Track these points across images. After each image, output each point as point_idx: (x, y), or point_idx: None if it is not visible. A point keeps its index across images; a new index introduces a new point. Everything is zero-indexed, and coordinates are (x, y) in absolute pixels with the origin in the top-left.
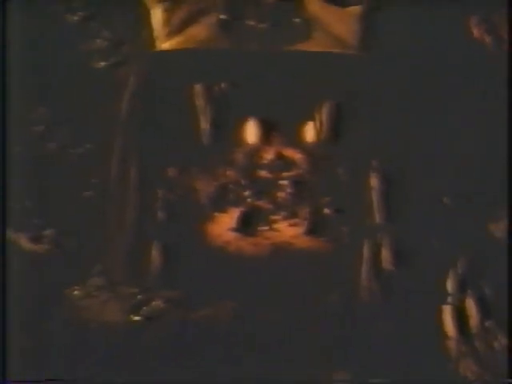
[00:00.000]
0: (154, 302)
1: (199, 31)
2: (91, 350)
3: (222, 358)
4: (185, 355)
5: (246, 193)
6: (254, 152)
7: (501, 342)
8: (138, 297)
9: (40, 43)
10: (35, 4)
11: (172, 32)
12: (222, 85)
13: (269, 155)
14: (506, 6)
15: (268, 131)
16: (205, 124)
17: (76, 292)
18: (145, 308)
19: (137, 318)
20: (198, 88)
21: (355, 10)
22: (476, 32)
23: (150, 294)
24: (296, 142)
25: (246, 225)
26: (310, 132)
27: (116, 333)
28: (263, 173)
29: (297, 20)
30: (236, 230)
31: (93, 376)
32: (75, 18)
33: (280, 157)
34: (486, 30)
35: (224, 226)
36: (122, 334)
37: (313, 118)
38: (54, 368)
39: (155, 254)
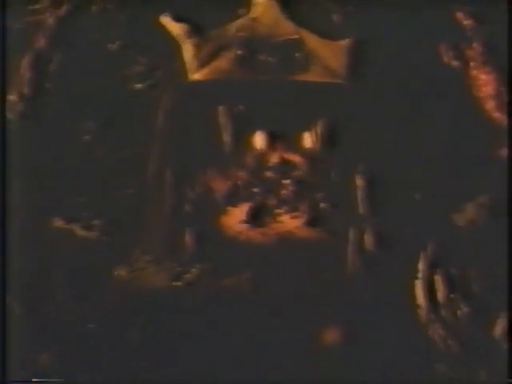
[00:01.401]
0: (191, 272)
1: (221, 64)
2: (140, 312)
3: (241, 313)
4: (216, 312)
5: (255, 190)
6: (262, 157)
7: (463, 310)
8: (178, 269)
9: (87, 67)
10: (82, 34)
11: (200, 65)
12: (240, 106)
13: (274, 159)
14: (506, 5)
15: (274, 140)
16: (226, 137)
17: (123, 269)
18: (184, 276)
19: (178, 283)
20: (221, 109)
21: (344, 43)
22: (445, 58)
23: (187, 266)
24: (297, 148)
25: (255, 217)
26: (308, 141)
27: (161, 296)
28: (269, 174)
29: (298, 55)
30: (246, 221)
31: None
32: (114, 46)
33: (283, 161)
34: (454, 55)
35: (236, 218)
36: (166, 297)
37: (310, 130)
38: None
39: (188, 238)
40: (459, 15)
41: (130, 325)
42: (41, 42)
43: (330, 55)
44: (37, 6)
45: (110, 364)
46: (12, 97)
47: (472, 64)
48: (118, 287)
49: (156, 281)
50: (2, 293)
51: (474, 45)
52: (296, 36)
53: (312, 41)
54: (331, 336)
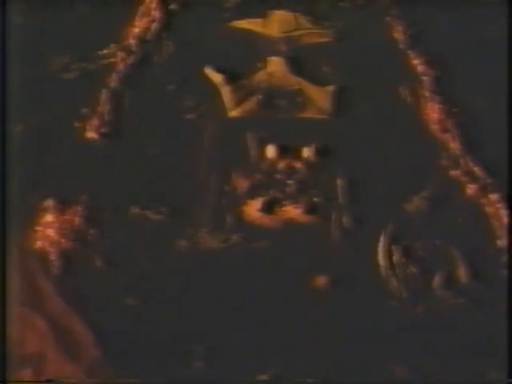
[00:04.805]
0: (232, 238)
1: (249, 105)
2: (201, 265)
3: (261, 262)
4: (246, 260)
5: (268, 188)
6: (273, 163)
7: (411, 270)
8: (223, 236)
9: (151, 101)
10: (146, 77)
11: (235, 105)
12: (261, 133)
13: (281, 165)
14: (505, 5)
15: (282, 152)
16: (252, 152)
17: (183, 240)
18: (228, 240)
19: (225, 244)
20: (250, 135)
21: (330, 88)
22: (403, 95)
23: (229, 235)
24: (298, 158)
25: (268, 207)
26: (306, 153)
27: (214, 252)
28: (278, 176)
29: (299, 99)
30: (261, 210)
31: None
32: (171, 87)
33: (288, 166)
34: (409, 93)
35: (254, 208)
36: (217, 253)
37: (308, 146)
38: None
39: (228, 218)
40: (415, 61)
41: (192, 275)
42: (115, 82)
43: (320, 98)
44: (105, 51)
45: (178, 300)
46: (95, 121)
47: (422, 99)
48: (180, 252)
49: (210, 244)
50: (2, 294)
51: (425, 84)
52: (297, 86)
53: (308, 89)
54: (320, 281)
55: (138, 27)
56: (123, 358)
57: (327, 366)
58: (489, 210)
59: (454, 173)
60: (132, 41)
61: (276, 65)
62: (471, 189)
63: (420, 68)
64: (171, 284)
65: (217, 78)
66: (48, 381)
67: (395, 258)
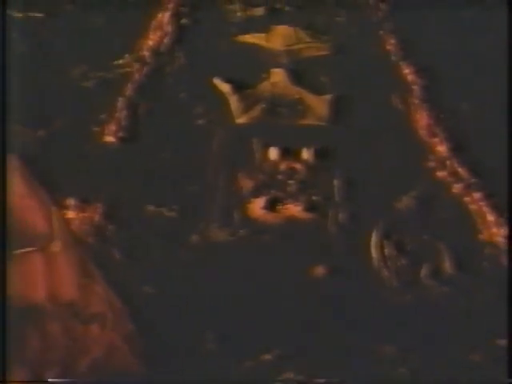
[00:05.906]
0: (239, 232)
1: (255, 113)
2: (212, 255)
3: (265, 253)
4: (252, 251)
5: (270, 187)
6: (275, 165)
7: (401, 261)
8: (231, 230)
9: (164, 108)
10: (160, 86)
11: (241, 113)
12: (266, 138)
13: (283, 166)
14: (506, 5)
15: (283, 154)
16: (257, 155)
17: (195, 235)
18: (236, 234)
19: (233, 238)
20: (255, 140)
21: (328, 97)
22: (394, 102)
23: (237, 229)
24: (298, 160)
25: (270, 205)
26: (305, 154)
27: (224, 244)
28: (280, 176)
29: (299, 107)
30: (264, 208)
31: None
32: (183, 95)
33: (289, 167)
34: (400, 101)
35: (258, 206)
36: (227, 244)
37: (307, 149)
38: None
39: (235, 215)
40: (406, 71)
41: (203, 265)
42: (130, 90)
43: (319, 106)
44: (121, 61)
45: (190, 288)
46: (113, 126)
47: (412, 106)
48: (192, 245)
49: (219, 237)
50: (1, 294)
51: (414, 92)
52: (298, 96)
53: (308, 98)
54: (318, 271)
55: (151, 40)
56: (148, 338)
57: (325, 347)
58: (472, 207)
59: (440, 174)
60: (146, 52)
61: (278, 76)
62: (456, 188)
63: (410, 78)
64: (184, 274)
65: (225, 87)
66: (48, 381)
67: (387, 251)
